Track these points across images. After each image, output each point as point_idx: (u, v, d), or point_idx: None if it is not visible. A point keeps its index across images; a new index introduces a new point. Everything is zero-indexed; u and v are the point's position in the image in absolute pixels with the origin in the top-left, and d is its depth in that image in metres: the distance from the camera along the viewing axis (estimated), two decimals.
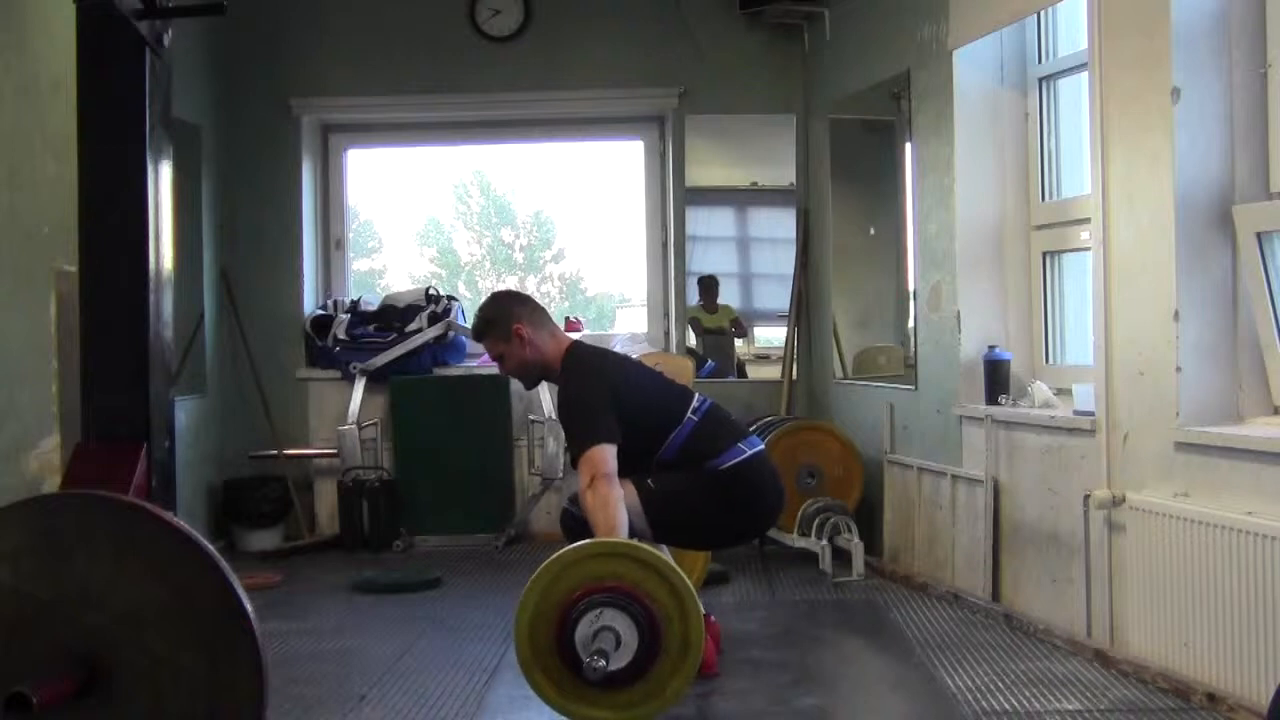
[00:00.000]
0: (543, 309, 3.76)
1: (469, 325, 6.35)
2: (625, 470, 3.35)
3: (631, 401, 3.47)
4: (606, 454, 3.27)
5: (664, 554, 3.22)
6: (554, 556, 2.96)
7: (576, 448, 3.34)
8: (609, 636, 2.86)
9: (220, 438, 6.00)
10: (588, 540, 3.06)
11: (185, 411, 5.42)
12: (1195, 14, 3.40)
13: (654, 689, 2.92)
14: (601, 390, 3.44)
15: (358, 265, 7.35)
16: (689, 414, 3.57)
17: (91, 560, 2.11)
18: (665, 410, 3.57)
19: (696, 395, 3.66)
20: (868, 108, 5.62)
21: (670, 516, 3.49)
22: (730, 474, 3.52)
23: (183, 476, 4.96)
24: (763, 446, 3.66)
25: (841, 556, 4.97)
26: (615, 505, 3.20)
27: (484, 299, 3.88)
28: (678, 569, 2.98)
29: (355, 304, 6.38)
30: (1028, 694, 3.37)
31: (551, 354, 3.60)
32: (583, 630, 2.88)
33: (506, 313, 3.64)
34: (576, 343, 3.66)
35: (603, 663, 2.82)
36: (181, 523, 2.16)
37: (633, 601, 2.89)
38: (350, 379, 6.01)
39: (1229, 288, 3.44)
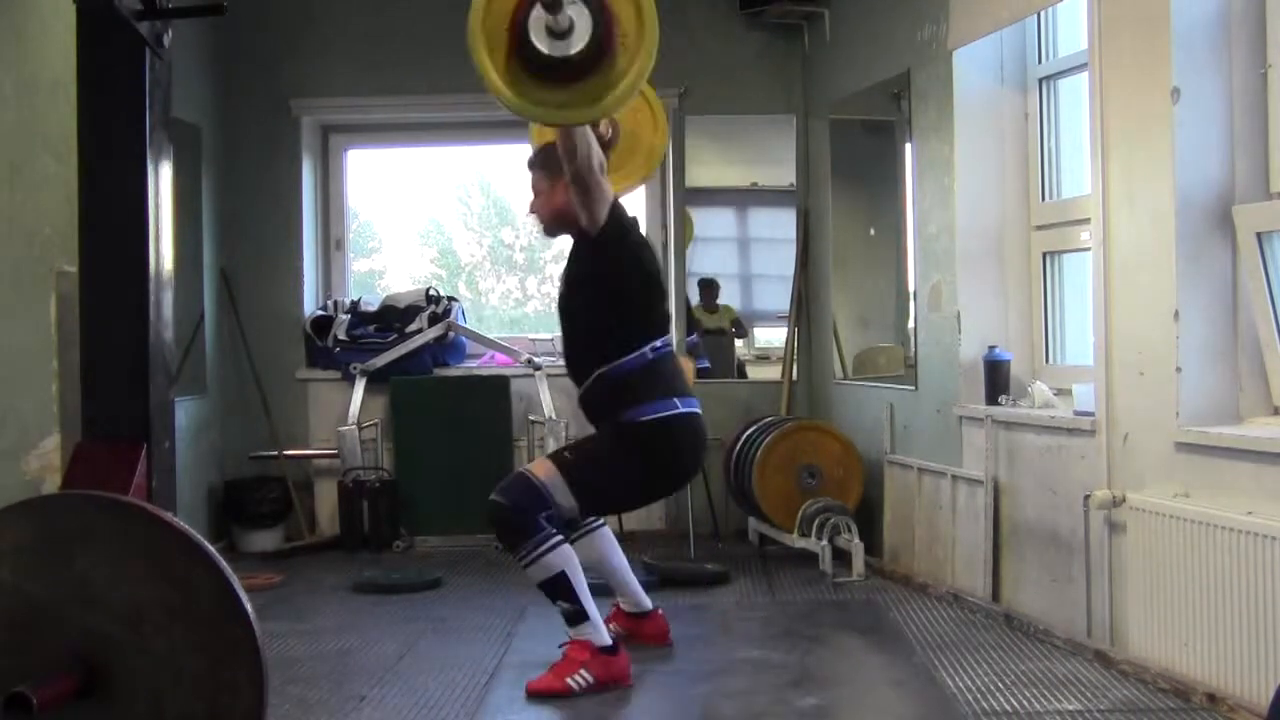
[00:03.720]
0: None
1: (469, 325, 6.37)
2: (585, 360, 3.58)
3: (644, 275, 3.64)
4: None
5: None
6: None
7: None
8: (564, 18, 2.83)
9: (220, 438, 6.00)
10: None
11: (185, 411, 5.42)
12: (1195, 14, 3.40)
13: (614, 75, 2.91)
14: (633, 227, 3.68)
15: (358, 265, 7.34)
16: (648, 347, 3.64)
17: (91, 560, 2.11)
18: (645, 320, 3.66)
19: (666, 334, 3.73)
20: (868, 108, 5.62)
21: (590, 482, 3.57)
22: (648, 429, 3.57)
23: (183, 476, 4.95)
24: (698, 410, 3.69)
25: (841, 556, 4.97)
26: None
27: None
28: None
29: (355, 304, 6.38)
30: (1028, 694, 3.37)
31: (586, 219, 3.61)
32: (535, 13, 2.85)
33: None
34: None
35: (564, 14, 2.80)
36: (181, 523, 2.16)
37: None
38: (350, 379, 6.01)
39: (1229, 288, 3.44)
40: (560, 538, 3.52)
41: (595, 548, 3.96)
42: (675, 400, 3.62)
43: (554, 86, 2.92)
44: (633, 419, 3.57)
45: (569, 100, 2.94)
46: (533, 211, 3.80)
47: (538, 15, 2.86)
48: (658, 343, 3.67)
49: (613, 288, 3.65)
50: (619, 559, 4.02)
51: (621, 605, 4.03)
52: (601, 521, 4.00)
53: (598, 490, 3.62)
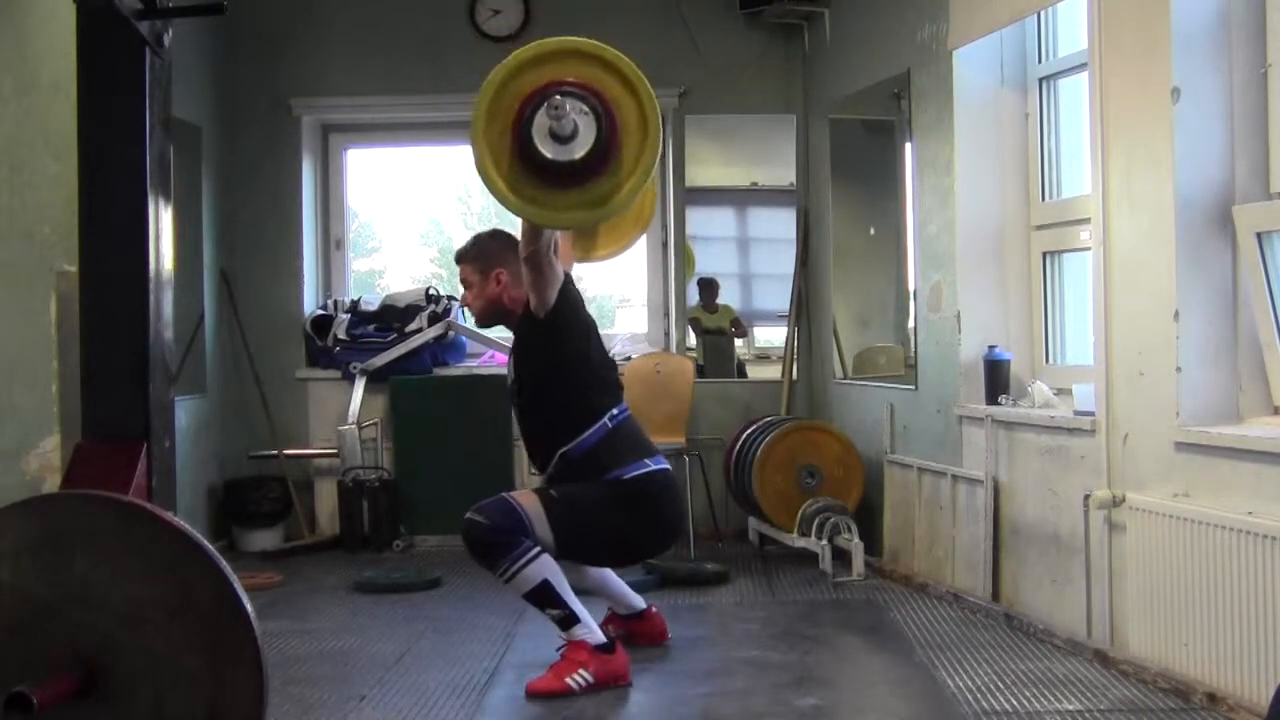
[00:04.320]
0: None
1: (469, 325, 6.37)
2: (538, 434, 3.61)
3: (591, 345, 3.66)
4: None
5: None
6: (512, 54, 3.01)
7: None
8: (569, 123, 2.87)
9: (220, 438, 6.00)
10: (549, 40, 3.08)
11: (185, 411, 5.42)
12: (1195, 14, 3.40)
13: (624, 172, 2.94)
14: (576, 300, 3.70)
15: (358, 265, 7.35)
16: (606, 417, 3.63)
17: (91, 560, 2.11)
18: (600, 392, 3.65)
19: (621, 402, 3.71)
20: (868, 108, 5.62)
21: (572, 524, 3.55)
22: (632, 485, 3.58)
23: (183, 476, 4.96)
24: (668, 466, 3.71)
25: (841, 556, 4.97)
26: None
27: (486, 230, 3.98)
28: (635, 68, 3.01)
29: (355, 304, 6.38)
30: (1028, 694, 3.37)
31: (520, 305, 3.66)
32: (540, 119, 2.90)
33: (496, 254, 3.71)
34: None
35: (572, 120, 2.86)
36: (181, 523, 2.16)
37: (589, 94, 2.92)
38: (350, 379, 6.01)
39: (1229, 288, 3.44)
40: (538, 548, 3.51)
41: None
42: (646, 460, 3.64)
43: (554, 187, 2.96)
44: (616, 478, 3.58)
45: (572, 204, 2.98)
46: (464, 304, 3.84)
47: (541, 120, 2.90)
48: (614, 411, 3.67)
49: (565, 368, 3.63)
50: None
51: (615, 610, 4.02)
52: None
53: (579, 536, 3.59)
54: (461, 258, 3.78)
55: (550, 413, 3.68)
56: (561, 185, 2.97)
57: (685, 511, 3.75)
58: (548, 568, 3.50)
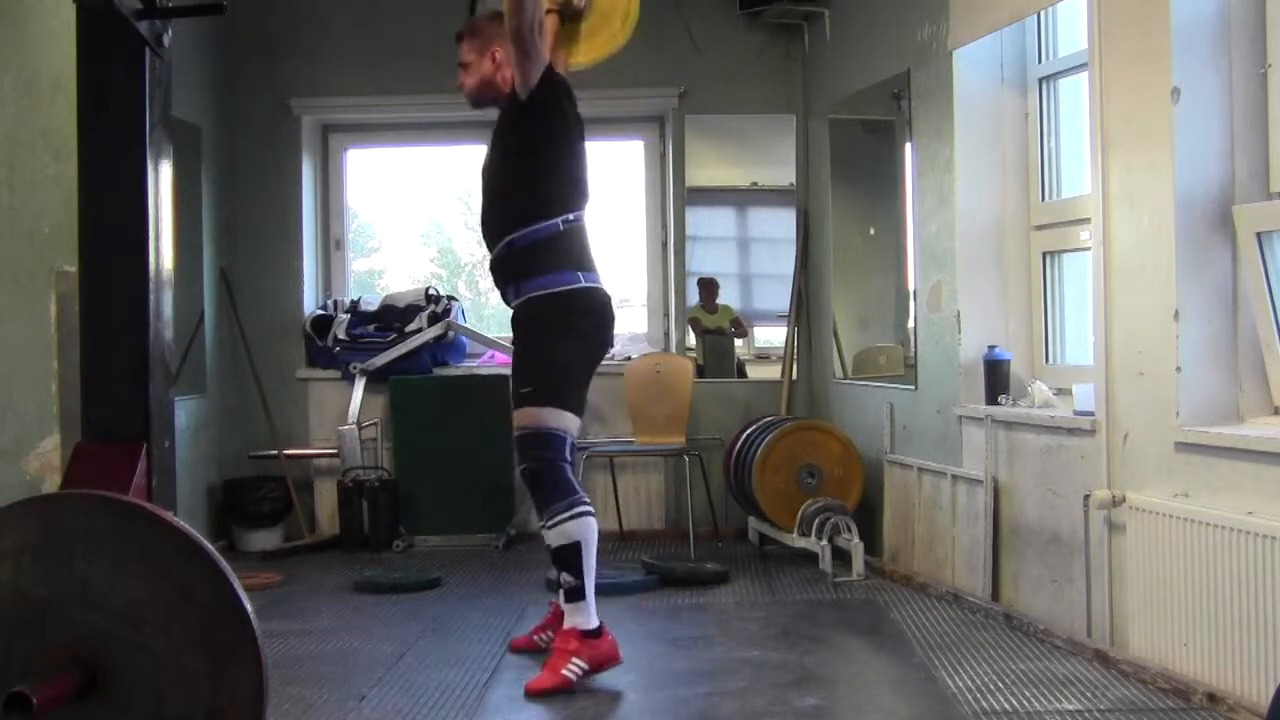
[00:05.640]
0: None
1: (469, 325, 6.37)
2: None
3: (569, 146, 3.68)
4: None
5: None
6: None
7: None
8: None
9: (220, 438, 6.00)
10: None
11: (185, 411, 5.42)
12: (1195, 14, 3.40)
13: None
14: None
15: (358, 265, 7.34)
16: (560, 219, 3.66)
17: (91, 560, 2.11)
18: (560, 194, 3.68)
19: (580, 213, 3.74)
20: (868, 108, 5.62)
21: (546, 386, 3.61)
22: (546, 302, 3.62)
23: (183, 476, 4.96)
24: (599, 283, 3.72)
25: (841, 556, 4.97)
26: None
27: (486, 12, 4.05)
28: None
29: (355, 304, 6.39)
30: (1028, 694, 3.37)
31: (519, 80, 3.64)
32: None
33: (494, 33, 3.73)
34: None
35: None
36: (181, 523, 2.16)
37: None
38: (350, 379, 6.01)
39: (1229, 288, 3.44)
40: (589, 509, 3.57)
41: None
42: (578, 274, 3.66)
43: None
44: (529, 291, 3.64)
45: None
46: (460, 84, 3.85)
47: None
48: (570, 215, 3.69)
49: (533, 156, 3.68)
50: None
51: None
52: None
53: (557, 387, 3.63)
54: (460, 36, 3.84)
55: (509, 196, 3.73)
56: None
57: (609, 322, 3.76)
58: (587, 533, 3.55)
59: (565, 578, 3.55)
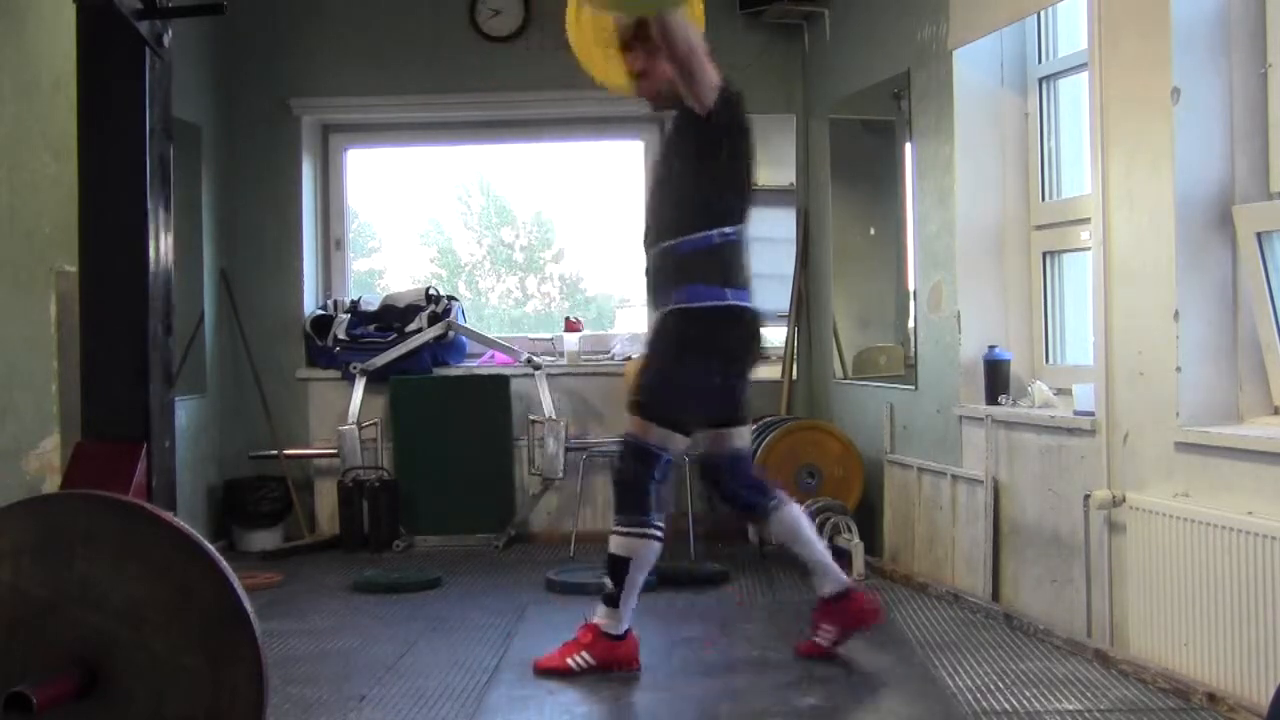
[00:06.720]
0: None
1: (469, 325, 6.37)
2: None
3: (734, 164, 3.64)
4: None
5: None
6: None
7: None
8: None
9: (220, 438, 6.00)
10: None
11: (185, 411, 5.42)
12: (1195, 14, 3.40)
13: None
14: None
15: (358, 265, 7.34)
16: (716, 231, 3.61)
17: (91, 560, 2.11)
18: (721, 206, 3.64)
19: (741, 224, 3.69)
20: (868, 108, 5.62)
21: (663, 403, 3.62)
22: (687, 317, 3.59)
23: (183, 476, 4.96)
24: (748, 302, 3.67)
25: (841, 556, 4.95)
26: None
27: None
28: None
29: (355, 304, 6.38)
30: (1028, 694, 3.37)
31: (694, 102, 3.56)
32: None
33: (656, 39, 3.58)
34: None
35: None
36: (181, 523, 2.16)
37: None
38: (350, 379, 6.01)
39: (1229, 288, 3.44)
40: (656, 534, 3.62)
41: (784, 526, 3.90)
42: (725, 290, 3.62)
43: None
44: (673, 303, 3.61)
45: None
46: (641, 94, 3.78)
47: None
48: (728, 229, 3.65)
49: (702, 163, 3.63)
50: (808, 534, 3.92)
51: (822, 591, 3.88)
52: (785, 499, 3.92)
53: (673, 406, 3.63)
54: (626, 45, 3.69)
55: (669, 205, 3.70)
56: None
57: (753, 342, 3.70)
58: (645, 555, 3.61)
59: (608, 581, 3.65)
